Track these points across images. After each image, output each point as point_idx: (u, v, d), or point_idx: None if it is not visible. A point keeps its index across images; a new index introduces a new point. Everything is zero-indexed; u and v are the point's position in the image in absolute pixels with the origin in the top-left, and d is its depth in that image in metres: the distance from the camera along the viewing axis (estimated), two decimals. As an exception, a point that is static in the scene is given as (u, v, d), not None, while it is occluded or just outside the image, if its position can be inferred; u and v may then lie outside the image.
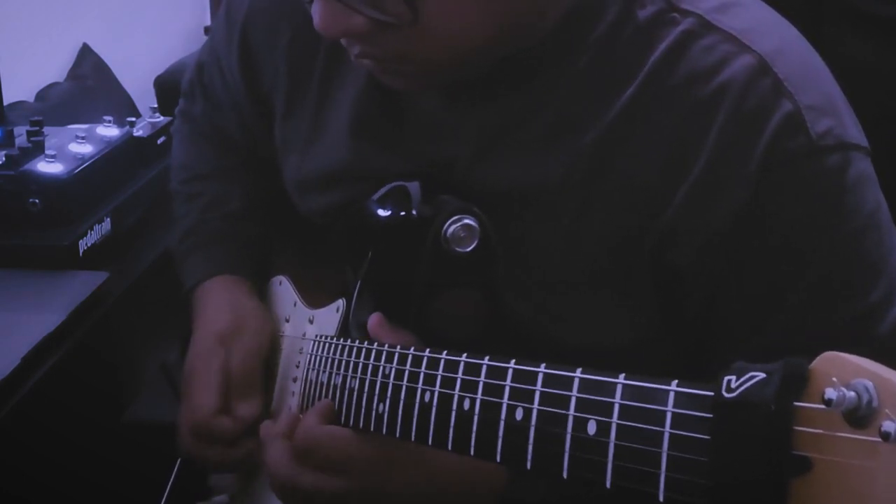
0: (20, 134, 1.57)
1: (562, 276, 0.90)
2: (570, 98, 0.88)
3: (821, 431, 0.52)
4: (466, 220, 0.89)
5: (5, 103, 1.84)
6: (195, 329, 1.12)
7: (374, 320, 0.92)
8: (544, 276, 0.91)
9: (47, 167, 1.48)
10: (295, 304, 1.11)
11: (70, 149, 1.55)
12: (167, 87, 2.84)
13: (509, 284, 0.91)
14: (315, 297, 1.08)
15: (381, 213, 0.95)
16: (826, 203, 0.82)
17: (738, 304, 0.84)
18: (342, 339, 0.96)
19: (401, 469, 0.88)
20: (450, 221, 0.89)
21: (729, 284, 0.84)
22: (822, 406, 0.51)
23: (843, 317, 0.83)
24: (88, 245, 1.47)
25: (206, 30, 3.54)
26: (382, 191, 0.95)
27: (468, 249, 0.89)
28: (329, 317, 1.03)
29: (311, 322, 1.06)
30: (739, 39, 0.84)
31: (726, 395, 0.56)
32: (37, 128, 1.57)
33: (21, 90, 2.46)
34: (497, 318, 0.92)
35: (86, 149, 1.56)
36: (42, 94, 2.60)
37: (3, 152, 1.50)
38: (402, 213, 0.92)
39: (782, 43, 0.86)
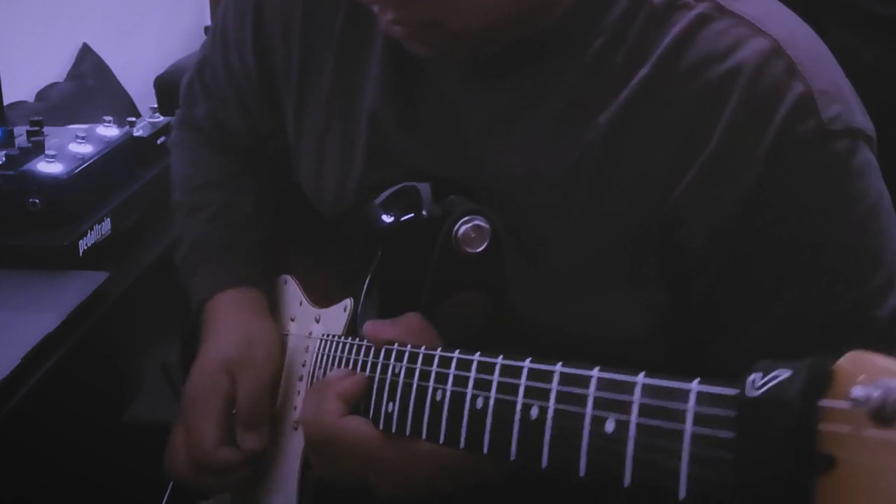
0: (20, 134, 1.57)
1: (570, 265, 0.90)
2: (583, 81, 0.88)
3: (846, 430, 0.52)
4: (477, 221, 0.89)
5: (5, 103, 1.84)
6: (202, 349, 1.10)
7: (367, 326, 0.91)
8: (552, 264, 0.90)
9: (47, 167, 1.48)
10: (301, 303, 1.10)
11: (70, 149, 1.55)
12: (167, 88, 2.84)
13: (515, 274, 0.91)
14: (321, 296, 1.08)
15: (391, 213, 0.95)
16: (833, 187, 0.82)
17: (743, 286, 0.84)
18: (350, 338, 0.96)
19: (419, 467, 0.87)
20: (461, 222, 0.89)
21: (735, 265, 0.84)
22: (848, 404, 0.51)
23: (844, 302, 0.83)
24: (88, 245, 1.47)
25: (207, 30, 3.54)
26: (392, 190, 0.95)
27: (478, 250, 0.89)
28: (336, 316, 1.02)
29: (317, 321, 1.06)
30: (753, 24, 0.84)
31: (751, 392, 0.56)
32: (37, 128, 1.57)
33: (21, 90, 2.46)
34: (503, 314, 0.92)
35: (86, 149, 1.56)
36: (42, 94, 2.60)
37: (3, 152, 1.50)
38: (412, 214, 0.92)
39: (794, 30, 0.86)
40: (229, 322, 1.10)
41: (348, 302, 1.01)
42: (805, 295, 0.83)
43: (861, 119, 0.84)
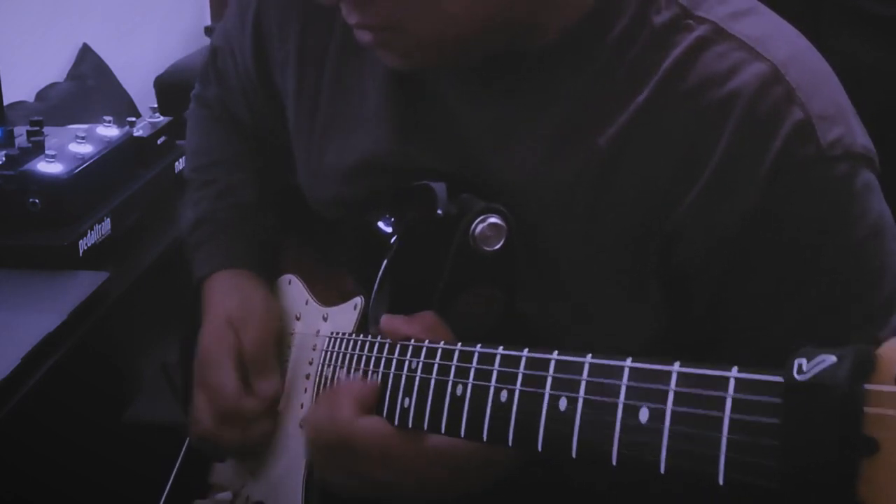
0: (20, 134, 1.57)
1: (570, 275, 0.90)
2: (584, 98, 0.89)
3: (891, 412, 0.53)
4: (493, 219, 0.89)
5: (5, 103, 1.84)
6: (205, 318, 1.12)
7: (384, 322, 0.91)
8: (552, 274, 0.91)
9: (47, 167, 1.49)
10: (307, 303, 1.10)
11: (70, 149, 1.55)
12: (167, 88, 2.85)
13: (523, 277, 0.92)
14: (327, 295, 1.08)
15: (406, 211, 0.95)
16: (832, 211, 0.83)
17: (742, 306, 0.85)
18: (362, 336, 0.96)
19: (436, 463, 0.86)
20: (477, 220, 0.89)
21: (734, 286, 0.84)
22: (895, 388, 0.53)
23: (844, 321, 0.83)
24: (88, 245, 1.48)
25: (207, 30, 3.54)
26: (404, 189, 0.96)
27: (495, 248, 0.89)
28: (345, 314, 1.02)
29: (324, 319, 1.06)
30: (752, 47, 0.84)
31: (798, 377, 0.57)
32: (37, 128, 1.57)
33: (21, 90, 2.47)
34: (515, 312, 0.93)
35: (86, 149, 1.56)
36: (42, 94, 2.60)
37: (3, 152, 1.50)
38: (428, 213, 0.92)
39: (794, 52, 0.87)
40: (228, 289, 1.13)
41: (359, 300, 1.01)
42: (805, 313, 0.83)
43: (861, 140, 0.84)
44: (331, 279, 1.09)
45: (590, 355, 0.70)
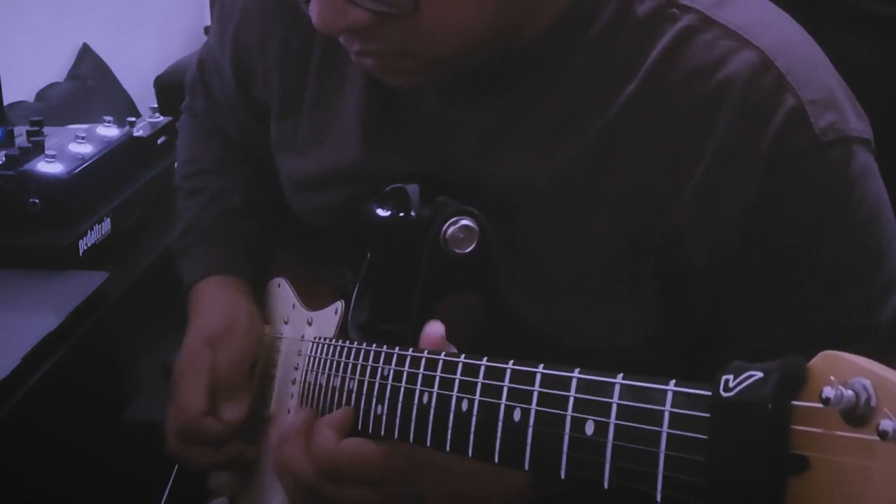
0: (20, 134, 1.57)
1: (567, 275, 0.90)
2: (571, 94, 0.88)
3: (818, 430, 0.51)
4: (465, 222, 0.88)
5: (5, 103, 1.84)
6: (188, 330, 1.12)
7: (436, 330, 0.84)
8: (550, 275, 0.90)
9: (47, 167, 1.49)
10: (294, 306, 1.10)
11: (70, 149, 1.55)
12: (167, 87, 2.84)
13: (513, 285, 0.91)
14: (314, 299, 1.08)
15: (380, 214, 0.95)
16: (830, 197, 0.82)
17: (746, 300, 0.84)
18: (341, 341, 0.96)
19: (426, 475, 0.86)
20: (448, 223, 0.88)
21: (737, 281, 0.84)
22: (820, 405, 0.51)
23: (846, 307, 0.83)
24: (88, 245, 1.48)
25: (207, 30, 3.54)
26: (382, 192, 0.95)
27: (467, 251, 0.88)
28: (328, 318, 1.02)
29: (309, 324, 1.06)
30: (740, 35, 0.83)
31: (724, 394, 0.55)
32: (37, 128, 1.58)
33: (21, 90, 2.46)
34: (499, 321, 0.92)
35: (86, 149, 1.56)
36: (42, 94, 2.60)
37: (3, 152, 1.51)
38: (401, 215, 0.92)
39: (783, 37, 0.86)
40: (213, 301, 1.13)
41: (339, 304, 1.01)
42: (808, 301, 0.83)
43: (855, 123, 0.83)
44: (318, 282, 1.09)
45: (542, 366, 0.70)
